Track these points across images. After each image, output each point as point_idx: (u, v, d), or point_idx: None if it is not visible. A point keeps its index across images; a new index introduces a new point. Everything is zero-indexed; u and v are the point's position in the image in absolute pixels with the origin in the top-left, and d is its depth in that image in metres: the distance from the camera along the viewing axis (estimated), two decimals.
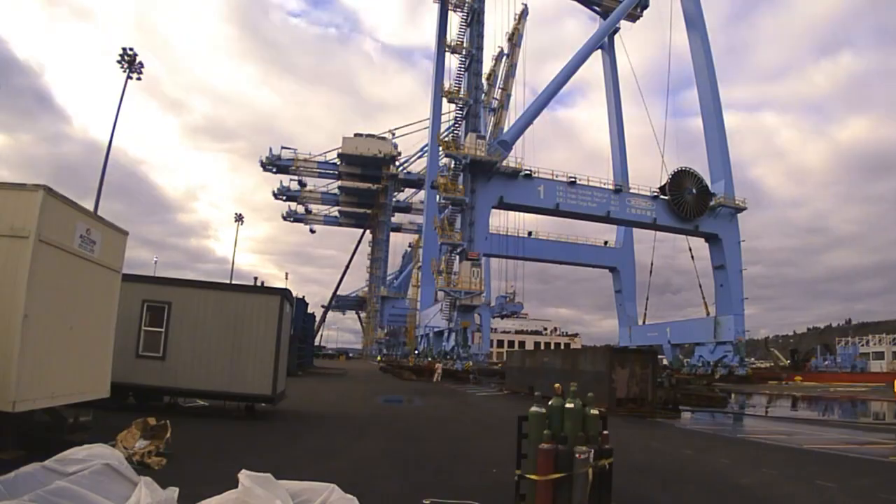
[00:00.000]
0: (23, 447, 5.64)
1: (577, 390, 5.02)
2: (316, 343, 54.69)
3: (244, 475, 3.43)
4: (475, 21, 34.92)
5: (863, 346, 54.19)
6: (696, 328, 34.60)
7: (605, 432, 4.93)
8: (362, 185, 75.55)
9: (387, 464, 7.32)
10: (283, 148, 70.18)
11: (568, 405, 4.82)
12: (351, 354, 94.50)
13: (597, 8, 41.94)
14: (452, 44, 36.15)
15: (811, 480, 7.49)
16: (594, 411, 4.96)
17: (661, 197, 31.07)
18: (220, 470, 4.90)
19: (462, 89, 33.77)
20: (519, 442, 4.96)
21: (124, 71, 31.62)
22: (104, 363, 7.84)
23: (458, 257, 26.67)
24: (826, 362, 53.42)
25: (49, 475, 3.33)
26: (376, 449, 8.66)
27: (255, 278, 58.22)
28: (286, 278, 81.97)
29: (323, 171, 74.76)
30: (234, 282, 37.46)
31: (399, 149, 73.32)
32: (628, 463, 6.67)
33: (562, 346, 61.53)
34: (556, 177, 30.59)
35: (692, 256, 32.88)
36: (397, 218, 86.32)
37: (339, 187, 79.39)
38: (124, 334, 9.38)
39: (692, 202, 30.18)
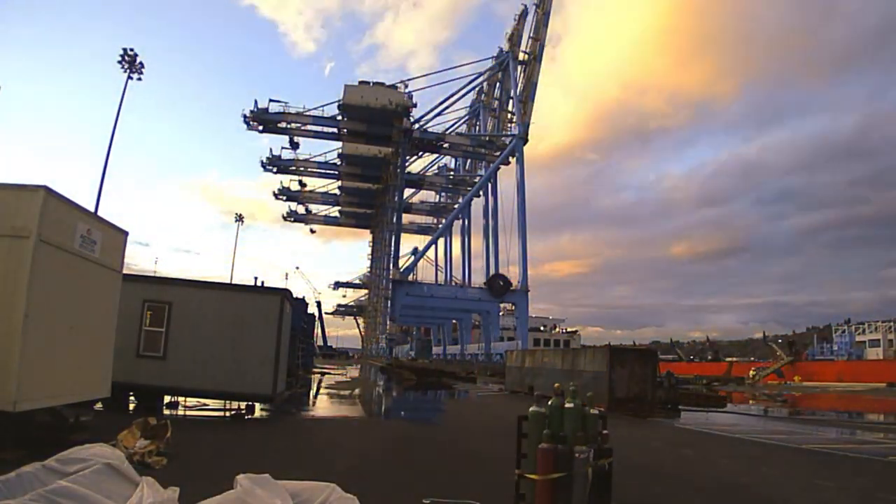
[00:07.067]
0: (23, 447, 5.64)
1: (577, 390, 5.02)
2: (320, 343, 56.19)
3: (242, 478, 3.43)
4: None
5: (859, 334, 54.23)
6: (510, 347, 55.40)
7: (605, 432, 4.93)
8: (363, 185, 75.64)
9: (387, 463, 7.33)
10: (283, 148, 70.35)
11: (567, 405, 4.81)
12: (351, 355, 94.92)
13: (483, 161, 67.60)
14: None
15: (811, 480, 7.50)
16: (594, 411, 4.96)
17: (483, 287, 60.28)
18: (221, 469, 4.91)
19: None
20: (519, 441, 4.96)
21: (125, 71, 31.68)
22: (105, 363, 7.85)
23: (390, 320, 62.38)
24: (823, 351, 53.66)
25: (50, 475, 3.33)
26: (376, 448, 8.67)
27: (256, 278, 58.25)
28: (286, 278, 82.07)
29: (323, 171, 74.93)
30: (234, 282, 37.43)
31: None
32: (628, 462, 6.67)
33: (560, 344, 61.84)
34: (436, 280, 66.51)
35: (511, 311, 62.46)
36: None
37: (340, 187, 79.41)
38: (125, 334, 9.38)
39: (499, 289, 57.99)
